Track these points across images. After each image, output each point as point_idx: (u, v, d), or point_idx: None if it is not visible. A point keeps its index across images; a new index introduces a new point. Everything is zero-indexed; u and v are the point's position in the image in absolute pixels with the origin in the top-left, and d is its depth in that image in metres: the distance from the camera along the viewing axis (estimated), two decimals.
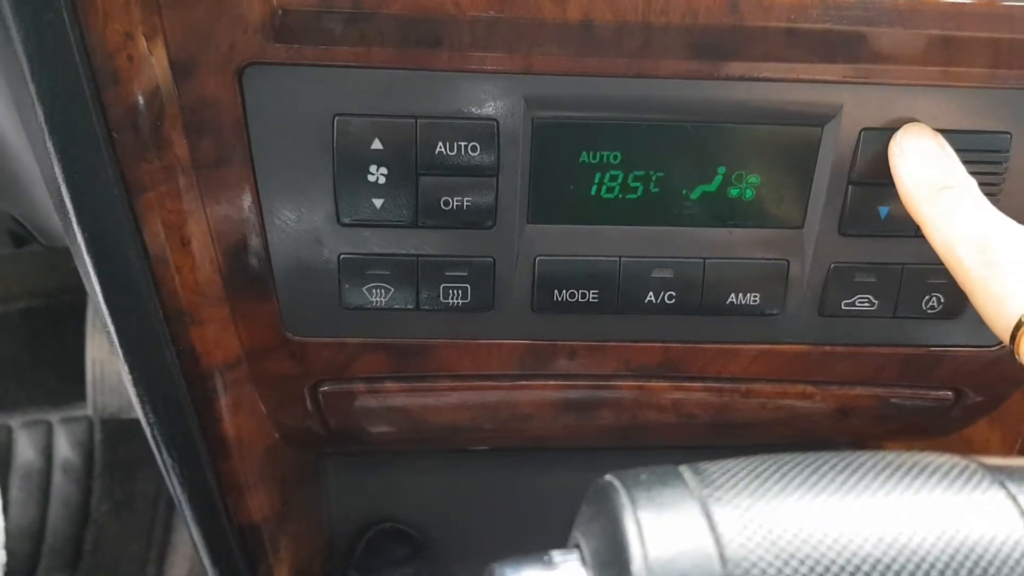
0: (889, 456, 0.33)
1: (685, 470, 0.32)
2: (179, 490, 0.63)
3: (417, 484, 0.83)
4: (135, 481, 1.57)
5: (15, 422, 1.60)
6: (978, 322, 0.59)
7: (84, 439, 1.60)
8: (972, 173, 0.53)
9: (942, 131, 0.55)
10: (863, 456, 0.33)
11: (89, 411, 1.55)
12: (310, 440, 0.68)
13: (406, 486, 0.82)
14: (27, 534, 1.56)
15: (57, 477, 1.59)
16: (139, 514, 1.56)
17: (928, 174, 0.52)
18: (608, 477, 0.33)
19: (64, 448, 1.61)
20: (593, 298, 0.59)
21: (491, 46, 0.51)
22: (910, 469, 0.31)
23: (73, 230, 0.53)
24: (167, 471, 0.62)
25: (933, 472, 0.31)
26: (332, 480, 0.80)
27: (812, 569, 0.28)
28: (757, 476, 0.31)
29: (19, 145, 0.60)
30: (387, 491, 0.82)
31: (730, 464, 0.33)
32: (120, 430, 1.58)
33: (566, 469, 0.82)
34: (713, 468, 0.32)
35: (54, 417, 1.62)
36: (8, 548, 1.53)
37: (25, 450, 1.60)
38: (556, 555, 0.32)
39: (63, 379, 1.59)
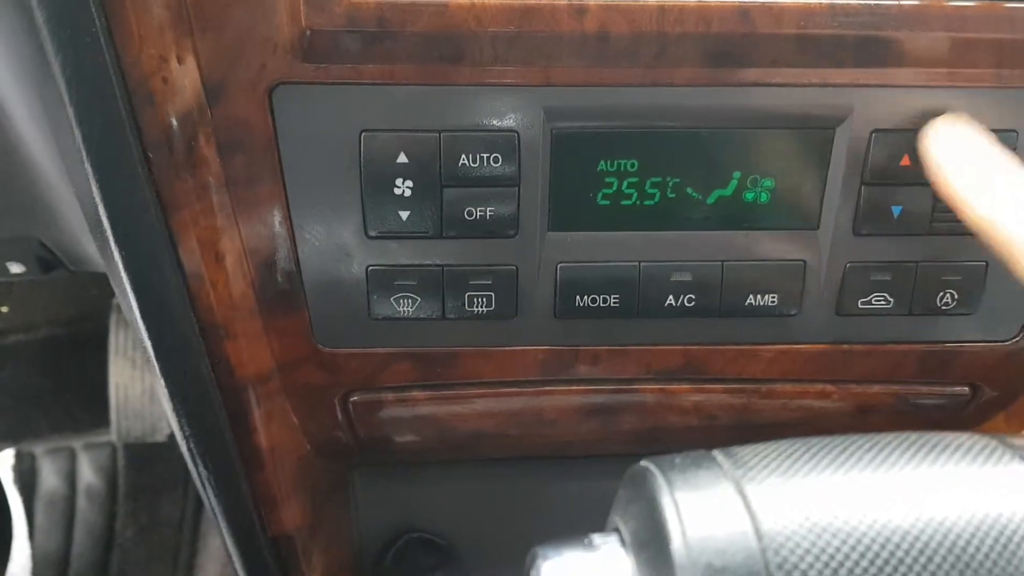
0: (913, 436, 0.34)
1: (718, 453, 0.34)
2: (215, 502, 0.64)
3: (444, 494, 0.84)
4: (159, 505, 1.58)
5: (39, 449, 1.62)
6: (993, 317, 0.60)
7: (108, 464, 1.62)
8: None
9: None
10: (888, 436, 0.34)
11: (112, 436, 1.56)
12: (340, 451, 0.69)
13: (433, 496, 0.84)
14: (52, 560, 1.57)
15: (81, 503, 1.60)
16: (164, 538, 1.57)
17: (963, 148, 0.52)
18: (644, 462, 0.34)
19: (88, 474, 1.62)
20: (614, 303, 0.61)
21: (511, 60, 0.53)
22: (935, 446, 0.33)
23: (110, 249, 0.55)
24: (203, 484, 0.64)
25: (957, 449, 0.32)
26: (360, 492, 0.81)
27: (844, 542, 0.30)
28: (788, 457, 0.32)
29: (49, 170, 0.62)
30: (414, 502, 0.83)
31: (761, 447, 0.34)
32: (144, 454, 1.60)
33: (591, 476, 0.83)
34: (745, 451, 0.34)
35: (77, 443, 1.64)
36: (34, 575, 1.55)
37: (49, 477, 1.61)
38: (596, 538, 0.34)
39: (86, 406, 1.61)
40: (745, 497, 0.31)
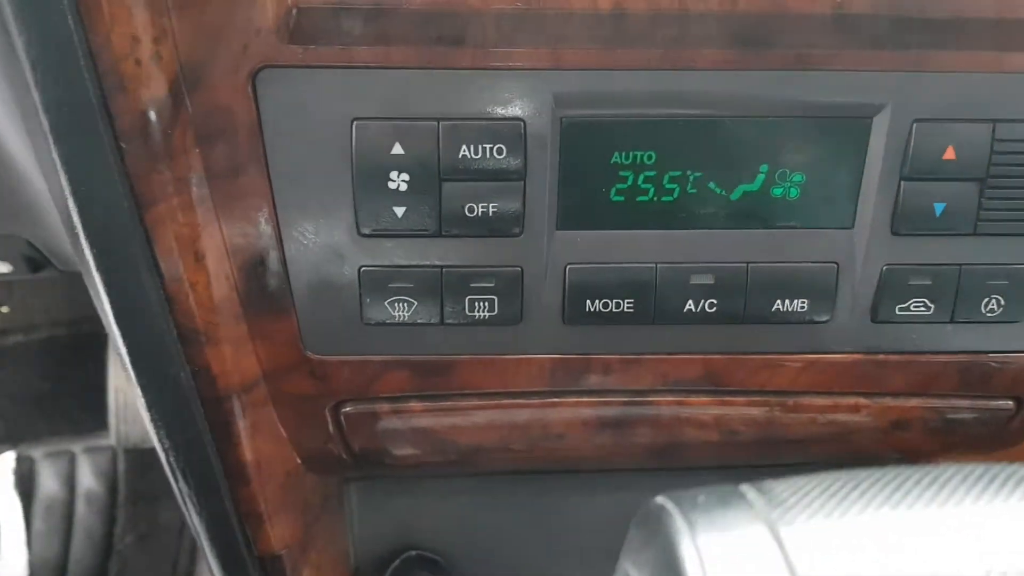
0: (979, 469, 0.29)
1: (749, 490, 0.29)
2: (196, 519, 0.60)
3: (445, 509, 0.79)
4: (159, 511, 1.55)
5: (38, 453, 1.58)
6: None
7: (107, 469, 1.58)
8: None
9: (998, 121, 0.52)
10: (950, 470, 0.29)
11: (112, 441, 1.53)
12: (333, 464, 0.64)
13: (434, 512, 0.79)
14: (50, 567, 1.53)
15: (80, 508, 1.57)
16: (163, 545, 1.53)
17: None
18: (660, 499, 0.29)
19: (87, 478, 1.58)
20: (628, 308, 0.56)
21: (517, 41, 0.48)
22: (1006, 481, 0.28)
23: (81, 245, 0.50)
24: (183, 499, 0.59)
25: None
26: (356, 506, 0.76)
27: None
28: (832, 495, 0.27)
29: (31, 168, 0.58)
30: (414, 517, 0.79)
31: (800, 482, 0.29)
32: (144, 459, 1.56)
33: (599, 493, 0.79)
34: (780, 487, 0.29)
35: (77, 447, 1.60)
36: None
37: (48, 481, 1.58)
38: None
39: (86, 408, 1.57)
40: (781, 544, 0.26)
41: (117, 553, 1.54)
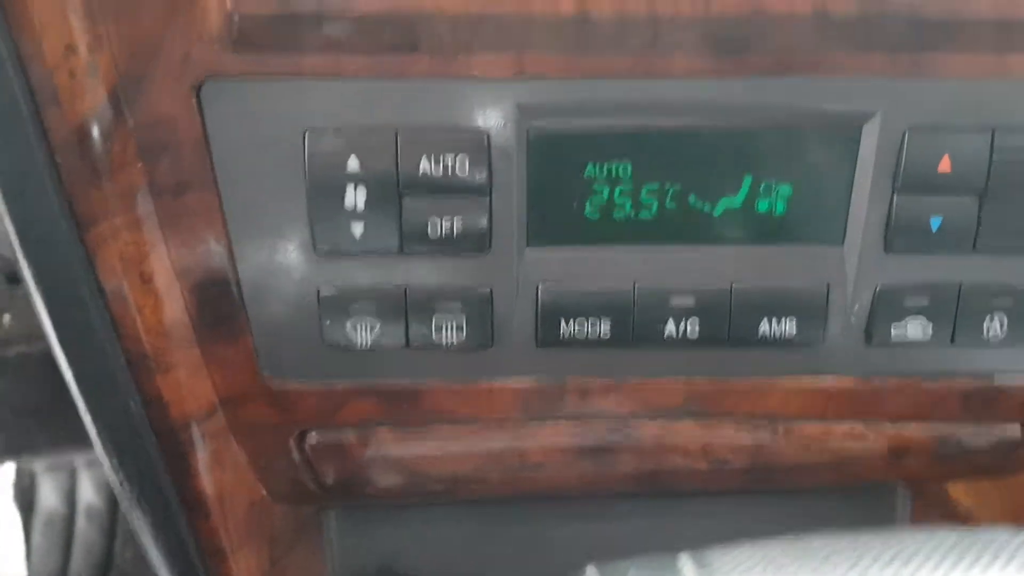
0: (951, 538, 0.25)
1: (686, 563, 0.25)
2: (153, 552, 0.57)
3: (430, 537, 0.76)
4: None
5: (38, 467, 1.56)
6: None
7: (108, 483, 1.56)
8: None
9: (999, 129, 0.48)
10: (918, 539, 0.25)
11: None
12: (301, 496, 0.61)
13: (417, 540, 0.76)
14: None
15: (81, 523, 1.55)
16: None
17: None
18: (590, 570, 0.26)
19: (88, 493, 1.56)
20: (605, 331, 0.52)
21: (476, 48, 0.45)
22: (980, 557, 0.24)
23: (21, 267, 0.48)
24: (139, 532, 0.56)
25: (1013, 560, 0.24)
26: (336, 535, 0.73)
27: None
28: (778, 568, 0.24)
29: None
30: (397, 545, 0.75)
31: (745, 552, 0.25)
32: None
33: (591, 518, 0.75)
34: (722, 560, 0.25)
35: (79, 460, 1.58)
36: None
37: (48, 496, 1.56)
38: None
39: None
40: None
41: (116, 567, 1.52)
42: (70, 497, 1.57)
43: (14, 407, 1.55)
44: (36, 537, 1.53)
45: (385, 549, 0.75)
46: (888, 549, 0.24)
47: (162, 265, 0.49)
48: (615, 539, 0.76)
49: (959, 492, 0.72)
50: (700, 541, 0.76)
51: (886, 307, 0.52)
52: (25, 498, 1.55)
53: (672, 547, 0.73)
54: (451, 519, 0.76)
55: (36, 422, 1.56)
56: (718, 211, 0.51)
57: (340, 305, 0.51)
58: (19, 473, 1.57)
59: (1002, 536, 0.26)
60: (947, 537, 0.25)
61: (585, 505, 0.74)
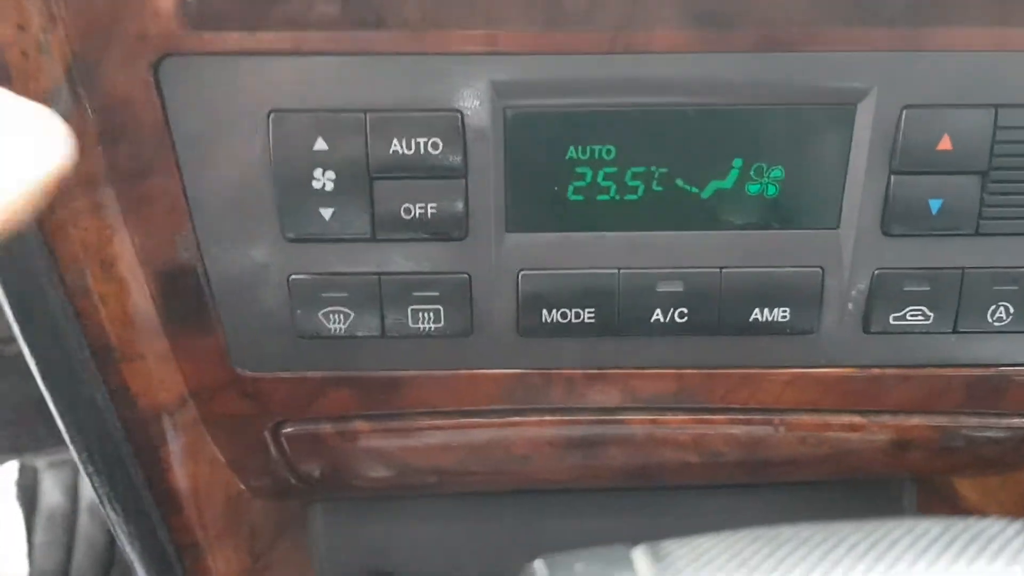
0: (935, 528, 0.23)
1: (640, 555, 0.23)
2: (128, 548, 0.55)
3: (418, 531, 0.74)
4: None
5: (41, 463, 1.56)
6: None
7: None
8: None
9: (1002, 106, 0.45)
10: (900, 528, 0.23)
11: None
12: (280, 490, 0.59)
13: (406, 534, 0.74)
14: None
15: (83, 519, 1.54)
16: None
17: None
18: (538, 562, 0.24)
19: (91, 489, 1.55)
20: (589, 318, 0.50)
21: (446, 22, 0.43)
22: (953, 541, 0.22)
23: None
24: (113, 528, 0.55)
25: (986, 544, 0.21)
26: (322, 529, 0.72)
27: None
28: (742, 563, 0.22)
29: None
30: (385, 539, 0.74)
31: (707, 543, 0.23)
32: None
33: (585, 512, 0.73)
34: (680, 550, 0.23)
35: None
36: None
37: (51, 491, 1.55)
38: None
39: None
40: None
41: (119, 564, 1.51)
42: (72, 493, 1.56)
43: (16, 404, 1.55)
44: (38, 533, 1.52)
45: (372, 544, 0.74)
46: (864, 540, 0.22)
47: (125, 252, 0.48)
48: (608, 533, 0.74)
49: (965, 487, 0.69)
50: (692, 533, 0.74)
51: (884, 293, 0.50)
52: (27, 495, 1.54)
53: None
54: (440, 513, 0.74)
55: (39, 419, 1.56)
56: (707, 194, 0.49)
57: (312, 293, 0.49)
58: (22, 470, 1.56)
59: (991, 527, 0.23)
60: (930, 527, 0.23)
61: (578, 499, 0.72)
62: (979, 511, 0.69)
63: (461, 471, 0.59)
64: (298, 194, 0.46)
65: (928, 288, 0.50)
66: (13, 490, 1.54)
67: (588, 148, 0.48)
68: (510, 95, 0.46)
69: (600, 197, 0.49)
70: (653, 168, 0.48)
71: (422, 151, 0.46)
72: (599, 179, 0.48)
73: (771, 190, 0.48)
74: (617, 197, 0.49)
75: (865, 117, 0.46)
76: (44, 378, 0.50)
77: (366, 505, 0.72)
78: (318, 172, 0.46)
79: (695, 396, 0.54)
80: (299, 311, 0.50)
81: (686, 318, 0.50)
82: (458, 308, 0.50)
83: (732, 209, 0.49)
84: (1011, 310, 0.50)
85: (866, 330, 0.51)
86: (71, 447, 0.52)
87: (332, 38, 0.43)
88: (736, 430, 0.56)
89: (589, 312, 0.50)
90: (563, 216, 0.49)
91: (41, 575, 1.51)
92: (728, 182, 0.48)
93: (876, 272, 0.50)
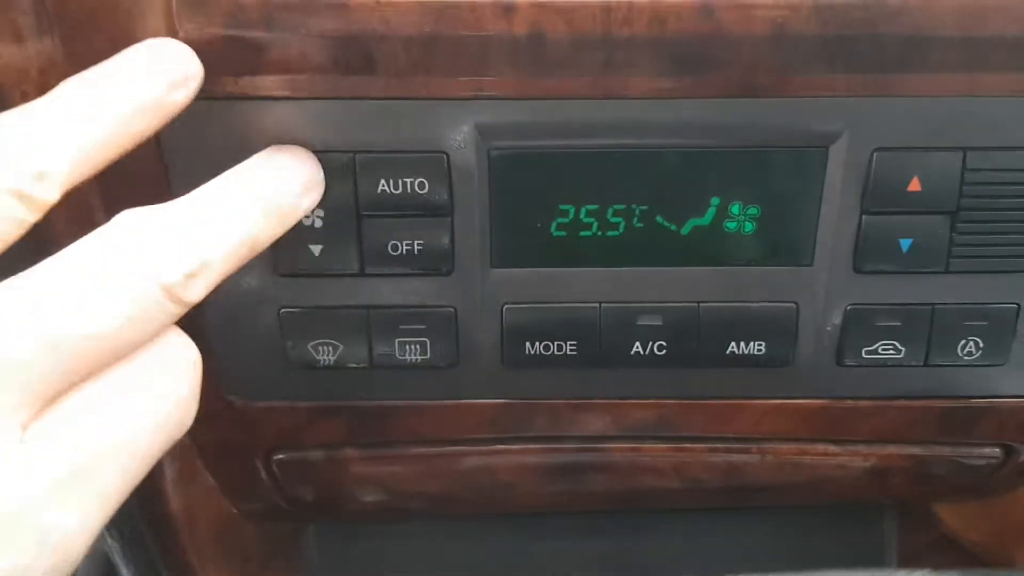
0: None
1: None
2: (124, 572, 0.57)
3: (412, 553, 0.75)
4: None
5: None
6: None
7: None
8: (1004, 197, 0.45)
9: (970, 149, 0.47)
10: None
11: None
12: (271, 513, 0.61)
13: (400, 556, 0.75)
14: None
15: None
16: None
17: None
18: None
19: None
20: (571, 350, 0.52)
21: (432, 69, 0.44)
22: None
23: None
24: (108, 549, 0.56)
25: None
26: (314, 552, 0.73)
27: None
28: None
29: None
30: (378, 561, 0.75)
31: None
32: None
33: (573, 535, 0.75)
34: None
35: None
36: None
37: None
38: None
39: None
40: None
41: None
42: None
43: None
44: None
45: (365, 565, 0.75)
46: None
47: None
48: (599, 555, 0.75)
49: (945, 512, 0.71)
50: (684, 557, 0.75)
51: (857, 328, 0.51)
52: None
53: (656, 564, 0.72)
54: (434, 535, 0.75)
55: None
56: (686, 231, 0.50)
57: (302, 325, 0.51)
58: None
59: None
60: None
61: (569, 521, 0.73)
62: (959, 536, 0.71)
63: (448, 497, 0.60)
64: (288, 231, 0.48)
65: (899, 323, 0.51)
66: None
67: (570, 186, 0.49)
68: (494, 137, 0.47)
69: (583, 233, 0.50)
70: (633, 206, 0.50)
71: (409, 190, 0.47)
72: (581, 216, 0.50)
73: (747, 228, 0.50)
74: (599, 233, 0.50)
75: (837, 159, 0.48)
76: None
77: (359, 527, 0.73)
78: None
79: (676, 425, 0.55)
80: (290, 343, 0.51)
81: (665, 351, 0.52)
82: (444, 340, 0.51)
83: (709, 245, 0.50)
84: (981, 344, 0.52)
85: (840, 363, 0.53)
86: None
87: (323, 82, 0.45)
88: (716, 458, 0.58)
89: (571, 344, 0.52)
90: (546, 252, 0.51)
91: None
92: (706, 219, 0.50)
93: (848, 307, 0.51)
